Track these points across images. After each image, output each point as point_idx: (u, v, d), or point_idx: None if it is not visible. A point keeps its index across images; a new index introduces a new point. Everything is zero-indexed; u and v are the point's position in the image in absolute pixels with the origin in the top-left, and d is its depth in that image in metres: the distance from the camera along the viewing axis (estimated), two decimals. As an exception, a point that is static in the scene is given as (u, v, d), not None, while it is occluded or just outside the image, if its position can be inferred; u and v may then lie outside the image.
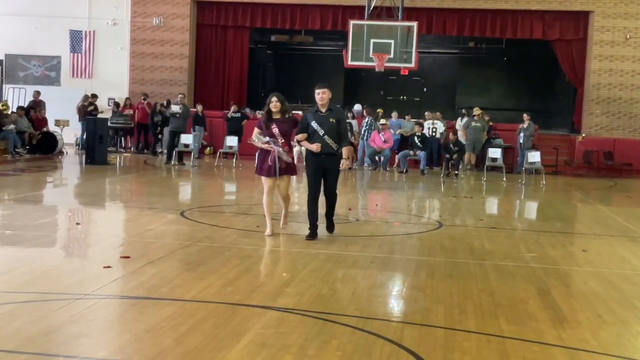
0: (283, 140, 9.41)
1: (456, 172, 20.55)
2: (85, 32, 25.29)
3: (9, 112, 22.15)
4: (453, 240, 10.56)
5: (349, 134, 21.63)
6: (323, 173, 9.58)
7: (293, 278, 7.59)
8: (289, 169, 9.57)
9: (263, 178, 9.61)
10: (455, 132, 21.53)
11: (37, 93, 23.62)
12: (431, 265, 8.82)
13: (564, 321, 6.51)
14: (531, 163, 20.65)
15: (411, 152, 21.45)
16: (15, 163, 19.64)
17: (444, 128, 22.70)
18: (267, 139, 9.32)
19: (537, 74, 28.63)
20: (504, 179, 20.43)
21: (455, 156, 20.51)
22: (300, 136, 9.59)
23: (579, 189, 19.44)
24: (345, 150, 9.69)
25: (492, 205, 16.65)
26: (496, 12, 24.29)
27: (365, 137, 22.03)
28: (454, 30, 25.33)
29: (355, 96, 27.74)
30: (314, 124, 9.47)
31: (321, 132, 9.41)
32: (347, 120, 22.03)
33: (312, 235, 9.62)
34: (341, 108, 10.31)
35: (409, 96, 29.80)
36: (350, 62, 23.24)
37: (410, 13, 23.49)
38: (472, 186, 19.30)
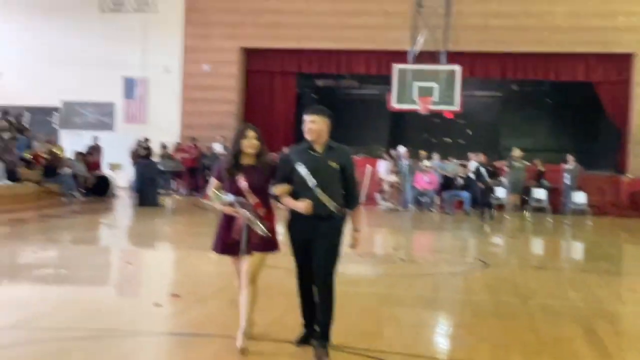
0: (257, 201, 5.91)
1: (490, 214, 19.79)
2: (139, 79, 25.78)
3: (66, 157, 22.61)
4: (498, 280, 10.44)
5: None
6: (314, 245, 5.93)
7: (340, 316, 7.54)
8: (263, 244, 5.95)
9: (230, 259, 6.18)
10: (485, 155, 21.19)
11: (96, 138, 24.12)
12: (476, 304, 8.72)
13: (612, 360, 6.38)
14: (577, 204, 20.43)
15: (456, 193, 21.34)
16: (70, 205, 19.95)
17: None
18: (231, 197, 5.85)
19: (580, 115, 28.31)
20: (549, 219, 20.18)
21: (489, 181, 19.82)
22: (279, 189, 5.90)
23: (625, 230, 19.09)
24: (354, 216, 6.16)
25: (538, 245, 16.41)
26: (538, 55, 24.16)
27: (406, 179, 22.06)
28: (496, 73, 25.31)
29: (400, 138, 27.67)
30: (301, 169, 5.85)
31: (311, 183, 5.81)
32: (406, 162, 22.06)
33: (305, 337, 6.21)
34: (347, 148, 6.16)
35: (453, 138, 29.68)
36: (394, 105, 23.31)
37: (453, 57, 23.49)
38: (517, 226, 19.08)
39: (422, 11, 23.53)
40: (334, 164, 5.90)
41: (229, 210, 5.91)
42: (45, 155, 22.14)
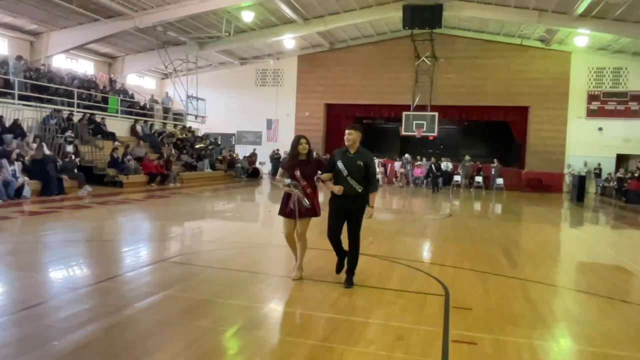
0: (305, 183, 4.98)
1: (437, 189, 19.30)
2: (274, 119, 26.02)
3: (238, 158, 23.06)
4: (457, 223, 10.20)
5: (406, 170, 21.33)
6: (346, 216, 4.93)
7: (374, 240, 7.53)
8: (309, 212, 5.00)
9: (283, 219, 5.09)
10: (440, 160, 20.71)
11: (254, 149, 24.50)
12: (445, 235, 8.56)
13: (517, 265, 6.19)
14: (498, 184, 19.84)
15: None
16: (240, 182, 20.34)
17: (451, 165, 22.08)
18: (289, 181, 4.96)
19: (501, 138, 27.15)
20: (484, 193, 19.55)
21: (439, 174, 19.45)
22: (324, 175, 4.96)
23: (524, 199, 18.33)
24: (371, 197, 4.93)
25: (478, 206, 15.92)
26: (479, 107, 23.37)
27: (409, 170, 21.78)
28: (456, 116, 24.56)
29: (406, 149, 27.12)
30: (339, 164, 4.92)
31: (345, 173, 4.87)
32: (409, 162, 21.71)
33: (339, 265, 5.19)
34: (370, 152, 5.08)
35: (433, 149, 28.88)
36: (403, 133, 22.90)
37: (434, 107, 22.98)
38: (467, 196, 18.52)
39: (418, 84, 23.05)
40: (360, 162, 4.89)
41: (287, 189, 4.96)
42: (228, 157, 22.66)
